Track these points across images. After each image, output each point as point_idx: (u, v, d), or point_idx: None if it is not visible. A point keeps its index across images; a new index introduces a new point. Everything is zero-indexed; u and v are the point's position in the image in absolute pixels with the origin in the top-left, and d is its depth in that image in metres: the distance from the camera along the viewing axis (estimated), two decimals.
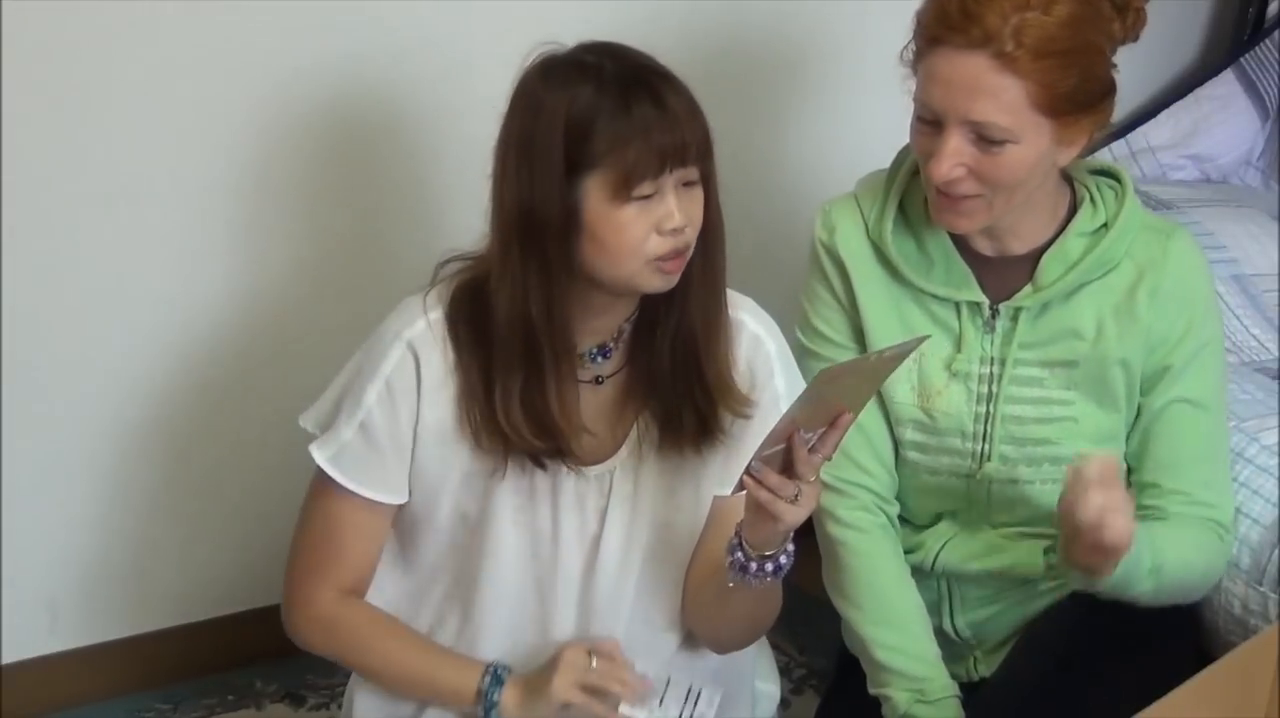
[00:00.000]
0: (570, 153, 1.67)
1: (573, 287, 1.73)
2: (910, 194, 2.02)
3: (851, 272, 2.02)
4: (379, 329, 1.82)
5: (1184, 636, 2.17)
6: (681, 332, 1.79)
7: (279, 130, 2.43)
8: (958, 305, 2.00)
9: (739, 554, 1.74)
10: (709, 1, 2.71)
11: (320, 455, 1.82)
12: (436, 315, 1.79)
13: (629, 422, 1.84)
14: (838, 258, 2.03)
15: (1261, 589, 2.11)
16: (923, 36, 1.89)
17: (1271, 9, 3.18)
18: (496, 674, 1.80)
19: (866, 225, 2.02)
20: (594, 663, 1.76)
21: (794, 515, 1.68)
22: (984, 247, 2.00)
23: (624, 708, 1.74)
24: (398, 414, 1.79)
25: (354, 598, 1.86)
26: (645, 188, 1.68)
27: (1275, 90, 3.05)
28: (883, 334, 2.01)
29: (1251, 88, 3.06)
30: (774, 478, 1.66)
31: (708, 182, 1.74)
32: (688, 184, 1.72)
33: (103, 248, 2.39)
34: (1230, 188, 3.01)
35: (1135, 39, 1.94)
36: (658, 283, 1.73)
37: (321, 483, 1.84)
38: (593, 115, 1.67)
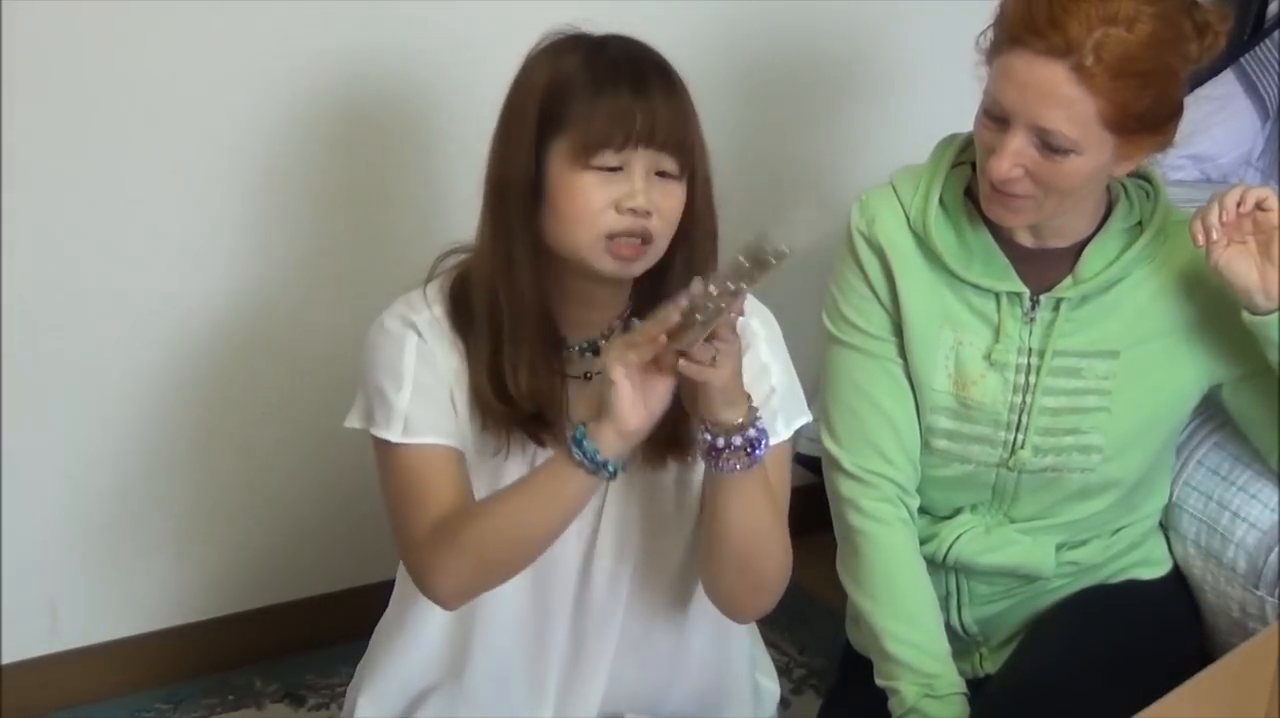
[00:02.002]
0: (543, 117, 1.68)
1: (539, 259, 1.72)
2: (950, 185, 2.04)
3: (892, 261, 2.04)
4: (381, 320, 1.80)
5: (1188, 635, 2.18)
6: None
7: (281, 128, 2.43)
8: (997, 296, 2.02)
9: (706, 435, 1.69)
10: (729, 3, 2.71)
11: (391, 434, 1.75)
12: (439, 311, 1.79)
13: None
14: (878, 247, 2.04)
15: (1259, 593, 2.11)
16: (1004, 32, 1.89)
17: (1271, 9, 3.18)
18: (576, 429, 1.68)
19: (907, 215, 2.04)
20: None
21: (718, 377, 1.63)
22: (1024, 239, 2.02)
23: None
24: (435, 370, 1.77)
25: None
26: (607, 158, 1.67)
27: (1275, 90, 3.05)
28: (921, 323, 2.03)
29: (1251, 88, 3.05)
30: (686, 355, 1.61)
31: (693, 180, 1.73)
32: (663, 174, 1.70)
33: (104, 246, 2.39)
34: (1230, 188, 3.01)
35: (1208, 63, 1.96)
36: (610, 265, 1.70)
37: (388, 451, 1.77)
38: (570, 82, 1.68)
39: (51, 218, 2.34)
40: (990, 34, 1.93)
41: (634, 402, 1.64)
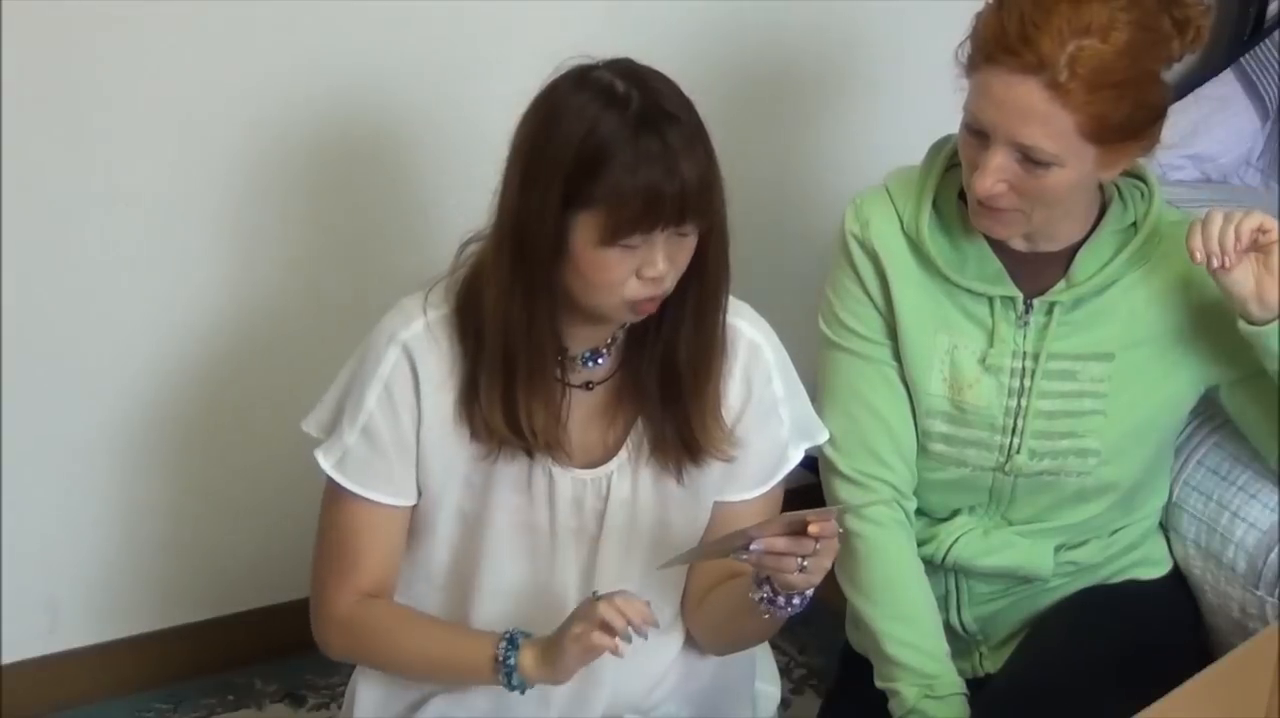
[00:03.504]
0: (571, 184, 1.65)
1: (555, 301, 1.73)
2: (943, 190, 2.03)
3: (886, 265, 2.03)
4: (375, 330, 1.81)
5: (1187, 635, 2.18)
6: (668, 368, 1.79)
7: (276, 132, 2.43)
8: (991, 300, 2.01)
9: (766, 590, 1.72)
10: (723, 3, 2.71)
11: (326, 462, 1.81)
12: (437, 315, 1.78)
13: (623, 426, 1.84)
14: (872, 251, 2.04)
15: (1259, 593, 2.11)
16: (978, 49, 1.88)
17: (1271, 9, 3.18)
18: (512, 639, 1.75)
19: (901, 219, 2.03)
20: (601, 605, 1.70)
21: (804, 581, 1.67)
22: (1017, 243, 2.02)
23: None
24: (399, 416, 1.78)
25: (371, 599, 1.84)
26: (634, 240, 1.67)
27: (1275, 90, 3.05)
28: (916, 327, 2.02)
29: (1251, 88, 3.05)
30: (770, 560, 1.65)
31: (710, 230, 1.72)
32: (681, 234, 1.70)
33: (102, 248, 2.39)
34: (1230, 188, 3.00)
35: (1199, 58, 1.93)
36: (629, 318, 1.74)
37: (332, 489, 1.83)
38: (601, 157, 1.64)
39: (49, 218, 2.34)
40: (967, 48, 1.91)
41: (579, 664, 1.70)
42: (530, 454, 1.80)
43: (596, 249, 1.67)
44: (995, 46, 1.84)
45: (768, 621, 1.76)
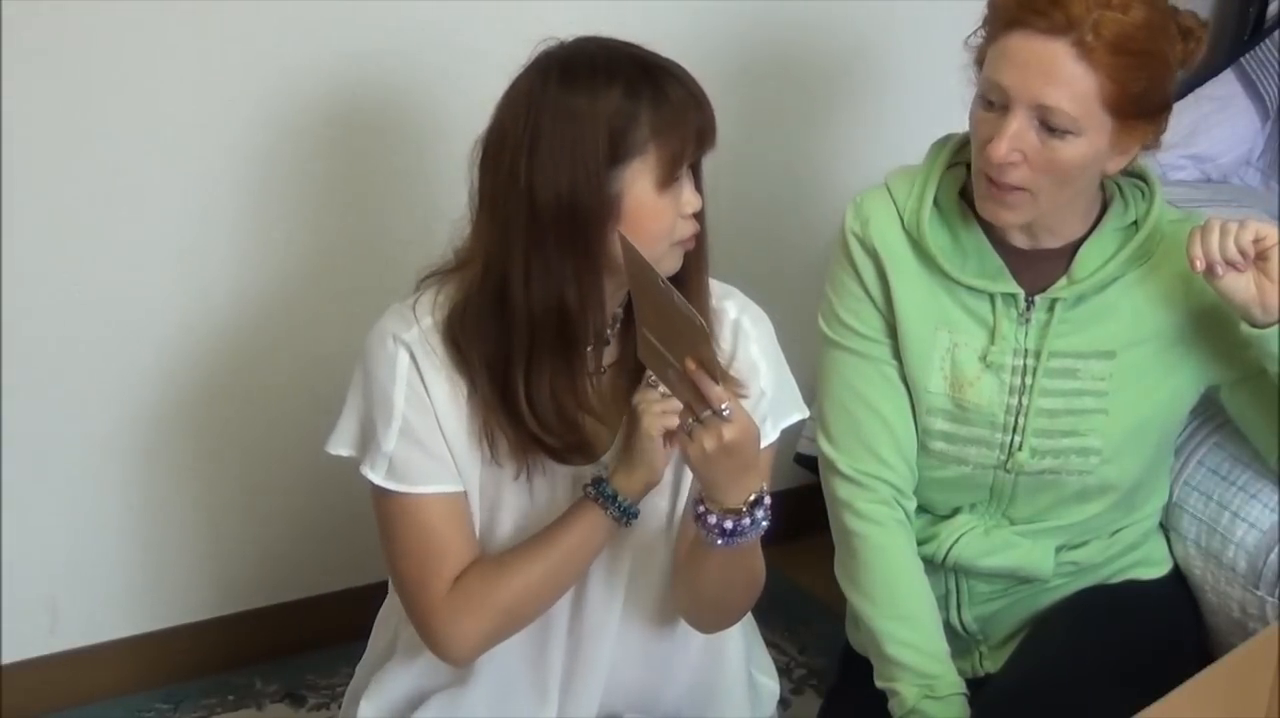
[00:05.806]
0: (614, 146, 1.68)
1: (604, 275, 1.74)
2: (945, 187, 2.04)
3: (886, 263, 2.04)
4: (372, 337, 1.80)
5: (1187, 635, 2.18)
6: None
7: (280, 129, 2.43)
8: (992, 297, 2.02)
9: (700, 508, 1.72)
10: (721, 4, 2.71)
11: (375, 475, 1.78)
12: (428, 323, 1.78)
13: (618, 415, 1.84)
14: (872, 249, 2.04)
15: (1259, 593, 2.11)
16: (1000, 20, 1.91)
17: (1271, 9, 3.18)
18: (595, 482, 1.77)
19: (901, 217, 2.04)
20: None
21: (691, 452, 1.66)
22: (1018, 240, 2.02)
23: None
24: (425, 407, 1.77)
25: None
26: (681, 172, 1.71)
27: (1275, 90, 3.05)
28: (916, 325, 2.03)
29: (1251, 88, 3.06)
30: (679, 389, 1.67)
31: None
32: (693, 168, 1.75)
33: (104, 246, 2.39)
34: (1230, 188, 3.01)
35: (1189, 68, 1.97)
36: (675, 264, 1.76)
37: (388, 499, 1.79)
38: (634, 107, 1.68)
39: (51, 217, 2.34)
40: (981, 32, 1.94)
41: (665, 455, 1.75)
42: (565, 457, 1.78)
43: (656, 195, 1.70)
44: (1023, 10, 1.88)
45: (715, 558, 1.74)
